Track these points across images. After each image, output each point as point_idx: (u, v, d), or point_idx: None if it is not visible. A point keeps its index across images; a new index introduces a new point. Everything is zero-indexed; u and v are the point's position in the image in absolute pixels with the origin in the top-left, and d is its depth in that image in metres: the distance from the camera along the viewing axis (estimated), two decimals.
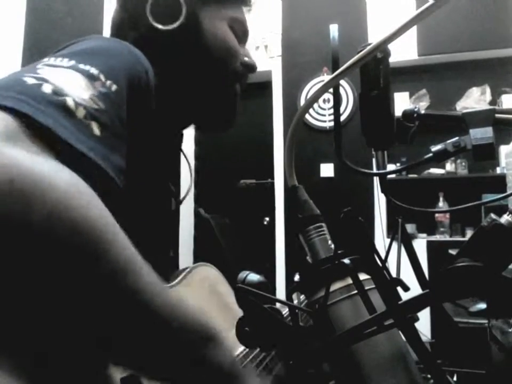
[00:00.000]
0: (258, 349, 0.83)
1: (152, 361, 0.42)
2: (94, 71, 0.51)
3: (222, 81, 0.79)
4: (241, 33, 0.83)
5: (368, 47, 0.50)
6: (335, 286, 0.49)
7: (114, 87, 0.52)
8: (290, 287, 0.54)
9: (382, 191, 0.62)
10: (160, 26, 0.71)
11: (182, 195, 0.95)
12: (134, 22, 0.74)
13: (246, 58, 0.82)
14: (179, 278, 0.72)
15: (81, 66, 0.51)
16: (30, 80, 0.45)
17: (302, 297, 0.69)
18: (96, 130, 0.47)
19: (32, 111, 0.41)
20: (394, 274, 0.49)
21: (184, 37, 0.73)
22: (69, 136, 0.42)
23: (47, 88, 0.45)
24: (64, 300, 0.36)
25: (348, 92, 3.74)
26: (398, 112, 0.56)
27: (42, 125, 0.41)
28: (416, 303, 0.44)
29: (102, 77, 0.51)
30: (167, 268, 0.79)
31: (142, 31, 0.73)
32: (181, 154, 0.92)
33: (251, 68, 0.83)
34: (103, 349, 0.40)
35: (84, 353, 0.41)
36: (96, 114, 0.47)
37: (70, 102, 0.45)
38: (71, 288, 0.35)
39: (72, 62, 0.51)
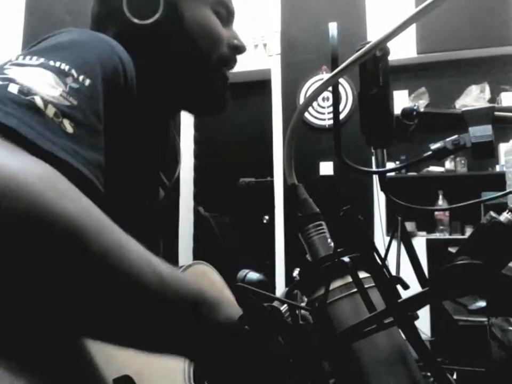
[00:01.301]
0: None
1: (150, 334, 0.43)
2: (64, 66, 0.50)
3: (208, 68, 0.78)
4: (226, 15, 0.81)
5: (367, 45, 0.49)
6: (335, 284, 0.49)
7: (87, 81, 0.51)
8: (290, 285, 0.54)
9: (382, 189, 0.62)
10: (138, 21, 0.70)
11: (181, 193, 0.94)
12: (112, 16, 0.73)
13: (234, 41, 0.80)
14: None
15: (51, 63, 0.50)
16: None
17: (302, 295, 0.69)
18: (68, 127, 0.46)
19: None
20: (394, 273, 0.49)
21: (164, 29, 0.71)
22: (36, 136, 0.41)
23: (13, 88, 0.44)
24: (55, 288, 0.36)
25: (347, 90, 3.74)
26: (397, 110, 0.56)
27: (7, 126, 0.40)
28: (416, 301, 0.44)
29: (73, 72, 0.50)
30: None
31: (120, 25, 0.71)
32: (178, 151, 0.91)
33: (239, 49, 0.81)
34: (98, 329, 0.41)
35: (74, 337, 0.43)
36: (68, 111, 0.47)
37: (38, 101, 0.44)
38: (59, 278, 0.35)
39: (42, 60, 0.50)
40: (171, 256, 0.87)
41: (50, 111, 0.45)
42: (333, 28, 0.58)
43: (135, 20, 0.70)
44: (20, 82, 0.45)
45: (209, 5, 0.77)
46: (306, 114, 3.67)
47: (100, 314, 0.39)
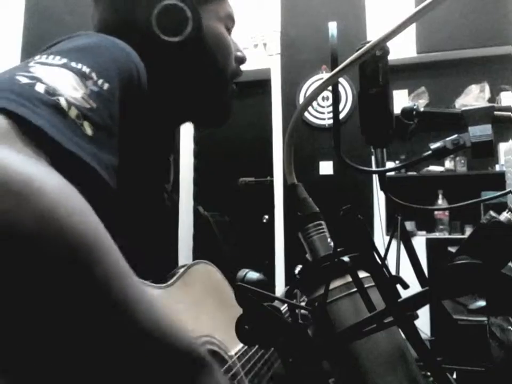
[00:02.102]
0: (255, 347, 0.83)
1: (120, 376, 0.37)
2: (85, 69, 0.51)
3: (223, 82, 0.80)
4: (231, 27, 0.83)
5: (367, 45, 0.49)
6: (335, 284, 0.49)
7: (106, 86, 0.52)
8: (290, 284, 0.54)
9: (381, 189, 0.62)
10: (166, 38, 0.71)
11: (181, 193, 0.95)
12: (132, 25, 0.73)
13: (238, 53, 0.83)
14: (177, 276, 0.72)
15: (73, 64, 0.50)
16: (23, 79, 0.44)
17: (302, 295, 0.69)
18: (88, 130, 0.46)
19: (24, 112, 0.40)
20: (393, 272, 0.49)
21: (189, 46, 0.73)
22: (61, 136, 0.42)
23: (40, 88, 0.44)
24: (48, 307, 0.33)
25: (347, 90, 3.74)
26: (397, 109, 0.56)
27: (35, 125, 0.40)
28: (416, 301, 0.44)
29: (94, 75, 0.51)
30: (165, 264, 0.79)
31: (141, 35, 0.71)
32: (176, 151, 0.92)
33: (243, 61, 0.84)
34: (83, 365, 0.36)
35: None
36: (89, 113, 0.47)
37: (62, 102, 0.45)
38: (55, 294, 0.33)
39: (64, 60, 0.50)
40: (171, 255, 0.87)
41: (73, 112, 0.45)
42: (332, 28, 0.58)
43: (164, 36, 0.70)
44: (46, 82, 0.45)
45: (223, 20, 0.80)
46: (306, 113, 3.67)
47: (81, 339, 0.35)
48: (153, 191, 0.76)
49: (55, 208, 0.34)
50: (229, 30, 0.82)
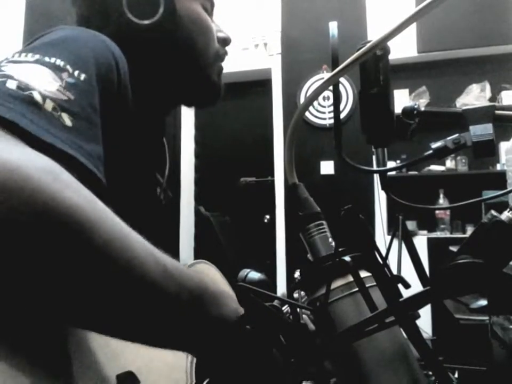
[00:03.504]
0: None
1: (152, 326, 0.43)
2: (59, 62, 0.51)
3: (206, 63, 0.80)
4: (210, 8, 0.82)
5: (368, 45, 0.49)
6: (336, 284, 0.49)
7: (82, 76, 0.52)
8: (292, 285, 0.54)
9: (382, 188, 0.62)
10: (138, 21, 0.70)
11: (182, 193, 0.95)
12: (105, 16, 0.73)
13: (220, 34, 0.82)
14: None
15: (46, 59, 0.50)
16: None
17: (303, 294, 0.69)
18: (67, 121, 0.46)
19: None
20: (395, 272, 0.49)
21: (164, 27, 0.72)
22: (37, 129, 0.42)
23: (11, 84, 0.44)
24: (58, 279, 0.36)
25: (347, 90, 3.73)
26: (397, 109, 0.56)
27: (8, 120, 0.40)
28: (417, 300, 0.44)
29: (68, 68, 0.51)
30: None
31: (116, 25, 0.71)
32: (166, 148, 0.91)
33: (226, 41, 0.83)
34: (100, 321, 0.41)
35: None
36: (66, 105, 0.47)
37: (36, 96, 0.45)
38: (62, 268, 0.35)
39: (37, 56, 0.50)
40: (171, 255, 0.87)
41: (49, 105, 0.45)
42: (333, 27, 0.58)
43: (135, 20, 0.70)
44: (17, 78, 0.45)
45: (199, 0, 0.79)
46: (307, 113, 3.67)
47: (103, 305, 0.39)
48: (144, 181, 0.76)
49: (45, 187, 0.35)
50: (207, 11, 0.81)
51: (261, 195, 4.05)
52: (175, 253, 0.92)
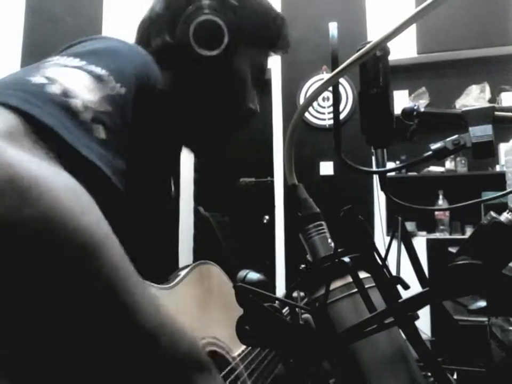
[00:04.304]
0: (258, 348, 0.83)
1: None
2: (103, 72, 0.51)
3: (225, 118, 0.81)
4: (257, 79, 0.83)
5: (368, 45, 0.49)
6: (335, 285, 0.49)
7: (123, 90, 0.52)
8: (291, 285, 0.54)
9: (382, 189, 0.62)
10: (198, 49, 0.71)
11: (181, 193, 0.95)
12: (166, 33, 0.74)
13: (250, 105, 0.83)
14: (181, 276, 0.72)
15: (91, 67, 0.50)
16: (38, 80, 0.44)
17: (302, 295, 0.69)
18: (101, 133, 0.46)
19: (36, 111, 0.40)
20: (394, 273, 0.49)
21: (214, 65, 0.73)
22: (72, 138, 0.42)
23: (55, 89, 0.44)
24: (50, 304, 0.33)
25: (347, 90, 3.74)
26: (397, 110, 0.56)
27: (46, 125, 0.40)
28: (416, 301, 0.44)
29: (111, 79, 0.51)
30: (169, 265, 0.79)
31: (173, 45, 0.73)
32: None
33: (252, 114, 0.84)
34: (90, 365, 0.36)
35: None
36: (103, 117, 0.47)
37: (77, 104, 0.45)
38: (57, 289, 0.33)
39: (82, 62, 0.50)
40: (172, 256, 0.87)
41: (88, 115, 0.45)
42: (333, 28, 0.58)
43: (197, 48, 0.71)
44: (61, 83, 0.45)
45: (253, 64, 0.81)
46: (306, 114, 3.67)
47: (91, 341, 0.35)
48: (160, 191, 0.77)
49: (60, 207, 0.33)
50: (255, 82, 0.82)
51: (261, 195, 4.05)
52: (174, 253, 0.92)
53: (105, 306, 0.35)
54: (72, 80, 0.47)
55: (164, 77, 0.72)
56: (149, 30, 0.77)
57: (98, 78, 0.50)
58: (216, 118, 0.80)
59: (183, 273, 0.73)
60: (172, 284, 0.69)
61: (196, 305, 0.74)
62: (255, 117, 0.84)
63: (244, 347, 0.80)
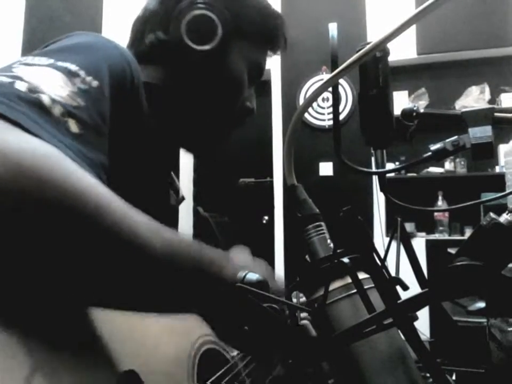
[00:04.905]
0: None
1: (159, 297, 0.46)
2: (73, 67, 0.50)
3: (220, 115, 0.80)
4: (253, 78, 0.82)
5: (367, 46, 0.49)
6: (334, 285, 0.49)
7: (95, 83, 0.52)
8: (290, 286, 0.54)
9: (381, 190, 0.62)
10: (191, 44, 0.71)
11: (180, 193, 0.95)
12: (159, 29, 0.74)
13: (247, 103, 0.82)
14: None
15: (60, 63, 0.50)
16: (4, 79, 0.44)
17: (301, 296, 0.69)
18: (73, 127, 0.46)
19: (2, 109, 0.40)
20: (393, 273, 0.49)
21: (208, 60, 0.73)
22: (42, 133, 0.41)
23: (21, 86, 0.44)
24: (70, 262, 0.37)
25: (347, 91, 3.74)
26: (397, 111, 0.56)
27: (14, 122, 0.40)
28: (415, 302, 0.44)
29: (82, 73, 0.51)
30: None
31: (166, 41, 0.73)
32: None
33: (249, 112, 0.83)
34: (110, 297, 0.43)
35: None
36: (75, 111, 0.47)
37: (45, 100, 0.44)
38: (73, 252, 0.37)
39: (51, 60, 0.50)
40: None
41: (57, 110, 0.45)
42: (333, 29, 0.58)
43: (190, 43, 0.71)
44: (27, 80, 0.45)
45: (249, 61, 0.80)
46: (306, 114, 3.67)
47: (113, 281, 0.41)
48: (158, 189, 0.76)
49: (51, 173, 0.36)
50: (252, 79, 0.81)
51: (260, 196, 4.05)
52: None
53: (114, 248, 0.39)
54: (39, 76, 0.47)
55: (158, 73, 0.71)
56: (143, 27, 0.77)
57: (67, 73, 0.49)
58: (211, 114, 0.79)
59: None
60: None
61: None
62: (252, 115, 0.84)
63: None
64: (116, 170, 0.52)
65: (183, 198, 0.90)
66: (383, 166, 0.61)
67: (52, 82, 0.47)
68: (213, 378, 0.60)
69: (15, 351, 0.35)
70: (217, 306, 0.50)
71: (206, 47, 0.71)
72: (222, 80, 0.77)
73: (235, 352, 0.78)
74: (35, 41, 3.61)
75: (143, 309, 0.48)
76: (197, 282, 0.48)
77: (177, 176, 0.94)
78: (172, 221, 0.83)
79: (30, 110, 0.42)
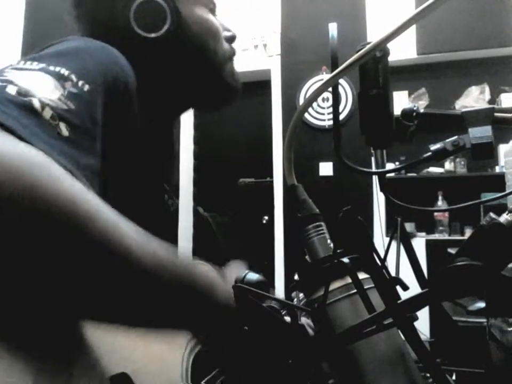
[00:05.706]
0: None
1: (146, 312, 0.44)
2: (64, 71, 0.50)
3: (218, 64, 0.80)
4: (213, 7, 0.82)
5: (367, 46, 0.49)
6: (334, 285, 0.49)
7: (86, 87, 0.52)
8: (290, 286, 0.54)
9: (381, 190, 0.62)
10: (146, 34, 0.70)
11: (180, 193, 0.95)
12: (113, 29, 0.71)
13: (225, 33, 0.82)
14: None
15: (51, 68, 0.50)
16: None
17: (301, 296, 0.69)
18: (64, 131, 0.46)
19: None
20: (393, 273, 0.49)
21: (173, 38, 0.72)
22: (30, 136, 0.41)
23: (11, 89, 0.44)
24: (55, 271, 0.36)
25: (347, 91, 3.74)
26: (397, 111, 0.56)
27: (3, 125, 0.40)
28: (415, 302, 0.44)
29: (73, 77, 0.51)
30: None
31: (124, 37, 0.70)
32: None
33: (233, 39, 0.83)
34: (94, 310, 0.42)
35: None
36: (65, 114, 0.47)
37: (35, 103, 0.44)
38: (59, 261, 0.36)
39: (42, 65, 0.50)
40: None
41: (47, 113, 0.45)
42: (333, 28, 0.58)
43: (144, 34, 0.70)
44: (18, 84, 0.45)
45: (202, 3, 0.79)
46: (306, 114, 3.67)
47: (99, 293, 0.40)
48: (152, 190, 0.76)
49: (38, 180, 0.35)
50: (211, 11, 0.80)
51: (260, 196, 4.05)
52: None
53: (102, 257, 0.38)
54: (29, 80, 0.47)
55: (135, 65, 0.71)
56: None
57: (59, 77, 0.49)
58: (207, 65, 0.79)
59: None
60: None
61: None
62: (235, 39, 0.84)
63: None
64: (110, 174, 0.52)
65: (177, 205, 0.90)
66: (383, 166, 0.61)
67: (42, 86, 0.47)
68: (207, 378, 0.60)
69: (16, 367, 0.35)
70: (207, 326, 0.50)
71: (162, 32, 0.70)
72: (195, 36, 0.76)
73: None
74: (35, 41, 3.61)
75: (132, 323, 0.46)
76: (187, 298, 0.47)
77: (177, 176, 0.94)
78: (168, 225, 0.83)
79: (20, 114, 0.42)
